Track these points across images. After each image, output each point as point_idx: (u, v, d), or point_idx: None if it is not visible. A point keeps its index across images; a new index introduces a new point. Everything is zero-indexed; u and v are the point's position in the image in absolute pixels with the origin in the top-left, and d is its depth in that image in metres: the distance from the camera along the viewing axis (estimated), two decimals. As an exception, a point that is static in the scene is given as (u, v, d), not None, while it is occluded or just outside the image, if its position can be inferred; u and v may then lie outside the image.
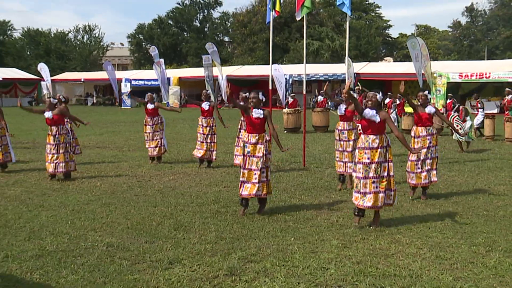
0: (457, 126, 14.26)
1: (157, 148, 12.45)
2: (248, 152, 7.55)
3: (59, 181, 10.25)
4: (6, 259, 5.73)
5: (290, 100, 22.20)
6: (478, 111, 17.74)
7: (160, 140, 12.46)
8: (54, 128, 10.37)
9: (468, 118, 14.67)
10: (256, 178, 7.48)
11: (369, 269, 5.32)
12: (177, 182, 10.20)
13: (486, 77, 26.70)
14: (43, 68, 43.87)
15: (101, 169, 11.68)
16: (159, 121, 12.57)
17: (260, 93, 7.75)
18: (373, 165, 6.83)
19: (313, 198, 8.74)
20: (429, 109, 8.73)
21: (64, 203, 8.41)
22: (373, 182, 6.83)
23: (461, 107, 15.05)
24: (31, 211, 7.88)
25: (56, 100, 10.83)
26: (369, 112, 6.87)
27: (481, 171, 11.25)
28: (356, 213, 7.02)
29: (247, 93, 9.05)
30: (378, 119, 6.83)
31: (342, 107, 9.26)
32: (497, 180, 10.25)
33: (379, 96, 6.97)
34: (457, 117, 14.72)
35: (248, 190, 7.51)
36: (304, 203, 8.32)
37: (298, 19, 11.94)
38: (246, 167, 7.56)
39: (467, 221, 7.24)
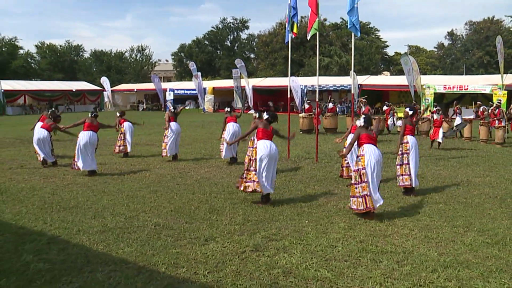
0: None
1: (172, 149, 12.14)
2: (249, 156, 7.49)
3: (117, 171, 10.36)
4: (78, 232, 5.88)
5: (307, 106, 22.02)
6: (457, 115, 17.69)
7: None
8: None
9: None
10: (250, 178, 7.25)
11: (370, 247, 5.29)
12: (211, 173, 10.23)
13: (464, 89, 27.03)
14: (105, 81, 44.66)
15: (149, 162, 11.80)
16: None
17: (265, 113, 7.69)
18: (366, 170, 6.45)
19: (324, 188, 8.68)
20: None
21: (121, 189, 8.53)
22: (358, 187, 6.44)
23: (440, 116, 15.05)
24: (95, 195, 8.02)
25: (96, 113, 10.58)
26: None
27: (461, 166, 11.08)
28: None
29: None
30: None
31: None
32: (474, 174, 10.11)
33: (358, 122, 6.87)
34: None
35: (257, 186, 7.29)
36: (316, 192, 8.27)
37: (308, 38, 11.94)
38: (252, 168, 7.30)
39: (449, 207, 7.19)
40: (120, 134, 12.90)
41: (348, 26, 11.27)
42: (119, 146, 12.82)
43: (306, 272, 4.59)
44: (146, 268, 4.69)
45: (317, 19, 11.46)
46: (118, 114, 13.43)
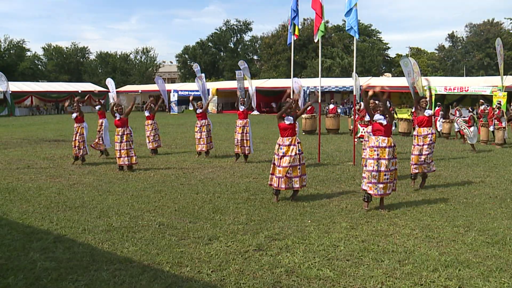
0: (463, 129, 14.21)
1: (204, 145, 12.47)
2: (283, 153, 7.37)
3: (123, 171, 10.40)
4: (84, 231, 5.88)
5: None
6: (455, 117, 17.68)
7: (206, 139, 12.45)
8: (120, 129, 10.48)
9: (474, 124, 14.23)
10: (289, 174, 7.31)
11: (372, 247, 5.27)
12: (215, 174, 10.23)
13: (465, 91, 27.01)
14: (110, 82, 44.67)
15: (154, 163, 11.81)
16: (206, 124, 12.57)
17: (291, 101, 7.73)
18: (384, 161, 6.80)
19: (326, 188, 8.67)
20: (429, 112, 8.78)
21: (126, 189, 8.54)
22: (385, 175, 6.81)
23: (470, 114, 14.75)
24: (101, 195, 8.03)
25: (122, 106, 10.79)
26: (377, 116, 6.94)
27: (462, 167, 11.05)
28: (365, 199, 6.99)
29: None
30: (385, 122, 6.88)
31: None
32: (474, 174, 10.09)
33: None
34: (463, 121, 14.45)
35: (283, 183, 7.30)
36: (319, 192, 8.26)
37: (315, 40, 11.89)
38: (281, 165, 7.36)
39: (450, 207, 7.17)
40: (153, 130, 13.39)
41: (346, 28, 11.27)
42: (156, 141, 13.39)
43: (309, 271, 4.58)
44: (151, 267, 4.69)
45: (323, 22, 11.44)
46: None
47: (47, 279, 4.39)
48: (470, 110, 15.18)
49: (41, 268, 4.65)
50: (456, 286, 4.27)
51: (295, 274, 4.53)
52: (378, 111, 6.98)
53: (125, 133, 10.44)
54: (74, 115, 11.50)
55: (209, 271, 4.60)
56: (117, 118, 10.41)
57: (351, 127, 18.85)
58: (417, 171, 8.64)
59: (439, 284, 4.30)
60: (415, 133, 8.89)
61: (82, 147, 11.40)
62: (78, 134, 11.39)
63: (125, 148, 10.36)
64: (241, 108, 11.84)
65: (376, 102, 7.15)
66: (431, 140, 8.65)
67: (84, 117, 11.66)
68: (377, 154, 6.82)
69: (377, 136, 6.92)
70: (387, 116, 6.89)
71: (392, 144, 6.91)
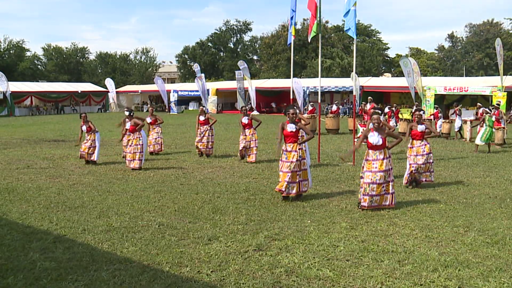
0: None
1: (206, 149, 12.64)
2: (286, 158, 7.49)
3: (123, 171, 10.40)
4: (84, 231, 5.88)
5: (310, 107, 21.86)
6: (456, 116, 17.72)
7: (207, 143, 12.62)
8: (130, 134, 10.84)
9: (484, 125, 14.11)
10: (288, 178, 7.37)
11: (372, 247, 5.28)
12: (215, 174, 10.23)
13: (465, 91, 27.03)
14: (109, 82, 44.65)
15: (153, 163, 11.81)
16: (208, 129, 12.70)
17: (296, 108, 7.74)
18: (381, 173, 6.88)
19: (326, 188, 8.67)
20: (421, 128, 8.89)
21: (125, 189, 8.54)
22: (382, 187, 6.89)
23: (480, 112, 14.71)
24: (100, 195, 8.03)
25: (128, 113, 11.14)
26: (372, 137, 7.00)
27: (462, 167, 11.05)
28: (360, 208, 7.00)
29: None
30: (380, 141, 6.96)
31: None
32: (474, 174, 10.10)
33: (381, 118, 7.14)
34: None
35: (280, 186, 7.43)
36: (318, 192, 8.26)
37: (309, 40, 12.05)
38: (282, 169, 7.51)
39: (450, 207, 7.18)
40: (157, 133, 13.60)
41: (345, 29, 11.31)
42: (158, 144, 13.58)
43: (308, 271, 4.58)
44: (150, 267, 4.69)
45: (316, 22, 11.48)
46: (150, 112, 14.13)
47: (46, 279, 4.39)
48: (488, 110, 15.06)
49: (40, 268, 4.65)
50: (456, 286, 4.27)
51: (295, 274, 4.53)
52: (375, 125, 7.06)
53: (134, 137, 10.70)
54: (84, 127, 11.62)
55: (208, 271, 4.60)
56: (127, 127, 11.04)
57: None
58: (405, 181, 8.81)
59: (439, 284, 4.30)
60: (409, 145, 9.00)
61: (92, 152, 11.49)
62: (90, 140, 11.51)
63: (131, 152, 10.63)
64: (245, 119, 11.75)
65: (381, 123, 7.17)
66: (424, 150, 8.76)
67: (93, 127, 11.60)
68: (376, 167, 6.92)
69: (374, 150, 7.02)
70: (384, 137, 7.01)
71: (388, 155, 7.02)
